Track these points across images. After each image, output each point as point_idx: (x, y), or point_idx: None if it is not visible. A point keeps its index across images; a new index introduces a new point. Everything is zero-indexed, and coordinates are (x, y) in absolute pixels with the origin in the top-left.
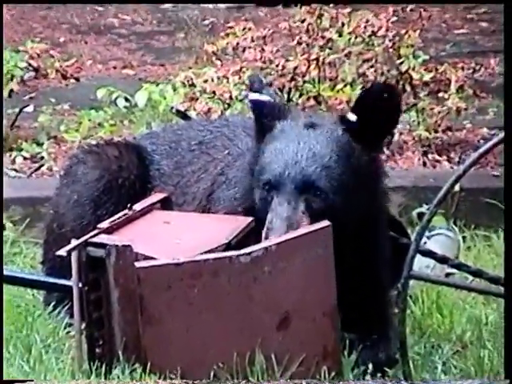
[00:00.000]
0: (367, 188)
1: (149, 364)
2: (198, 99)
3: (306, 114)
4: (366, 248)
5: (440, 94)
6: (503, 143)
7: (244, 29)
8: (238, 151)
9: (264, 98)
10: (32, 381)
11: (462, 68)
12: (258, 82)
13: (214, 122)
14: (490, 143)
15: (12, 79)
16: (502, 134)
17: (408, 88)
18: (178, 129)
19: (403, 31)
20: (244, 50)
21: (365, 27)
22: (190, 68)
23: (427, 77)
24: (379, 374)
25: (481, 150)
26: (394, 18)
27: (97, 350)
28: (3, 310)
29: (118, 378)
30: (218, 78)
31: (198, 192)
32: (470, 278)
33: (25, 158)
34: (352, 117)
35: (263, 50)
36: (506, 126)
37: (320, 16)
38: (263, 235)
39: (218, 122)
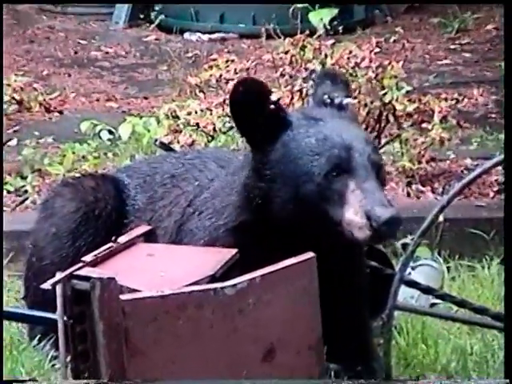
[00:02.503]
0: None
1: None
2: (181, 131)
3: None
4: (347, 277)
5: (423, 125)
6: (503, 169)
7: (227, 61)
8: (206, 181)
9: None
10: (33, 380)
11: (446, 99)
12: None
13: (186, 155)
14: (473, 173)
15: None
16: (485, 164)
17: (391, 119)
18: (153, 162)
19: (386, 62)
20: (227, 82)
21: (348, 58)
22: (174, 100)
23: (410, 108)
24: None
25: (464, 181)
26: (377, 50)
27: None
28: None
29: None
30: (202, 111)
31: (168, 226)
32: (455, 308)
33: (9, 192)
34: (351, 100)
35: None
36: (505, 149)
37: (303, 47)
38: (362, 221)
39: (191, 155)
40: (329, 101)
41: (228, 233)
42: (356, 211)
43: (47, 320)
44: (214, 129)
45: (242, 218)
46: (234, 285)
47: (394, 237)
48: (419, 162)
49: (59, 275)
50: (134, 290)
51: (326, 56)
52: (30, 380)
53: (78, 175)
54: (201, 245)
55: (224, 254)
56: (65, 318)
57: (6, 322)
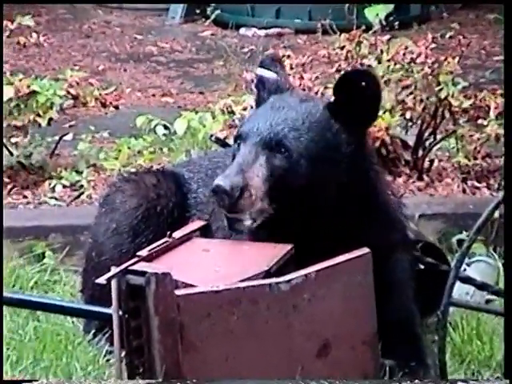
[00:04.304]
0: (349, 172)
1: None
2: (236, 127)
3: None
4: (382, 270)
5: (479, 121)
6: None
7: (283, 56)
8: None
9: (269, 74)
10: (35, 381)
11: (501, 95)
12: (270, 59)
13: None
14: None
15: (51, 107)
16: None
17: (447, 115)
18: (214, 156)
19: (442, 58)
20: None
21: (404, 54)
22: (229, 95)
23: (466, 104)
24: None
25: None
26: (433, 45)
27: (137, 378)
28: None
29: None
30: None
31: None
32: None
33: (64, 186)
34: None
35: (302, 77)
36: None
37: (359, 43)
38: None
39: None
40: None
41: None
42: None
43: (102, 315)
44: None
45: None
46: (289, 280)
47: (226, 207)
48: (475, 158)
49: (114, 270)
50: (189, 285)
51: (381, 52)
52: (30, 380)
53: (138, 171)
54: None
55: (279, 250)
56: (120, 313)
57: (61, 317)
